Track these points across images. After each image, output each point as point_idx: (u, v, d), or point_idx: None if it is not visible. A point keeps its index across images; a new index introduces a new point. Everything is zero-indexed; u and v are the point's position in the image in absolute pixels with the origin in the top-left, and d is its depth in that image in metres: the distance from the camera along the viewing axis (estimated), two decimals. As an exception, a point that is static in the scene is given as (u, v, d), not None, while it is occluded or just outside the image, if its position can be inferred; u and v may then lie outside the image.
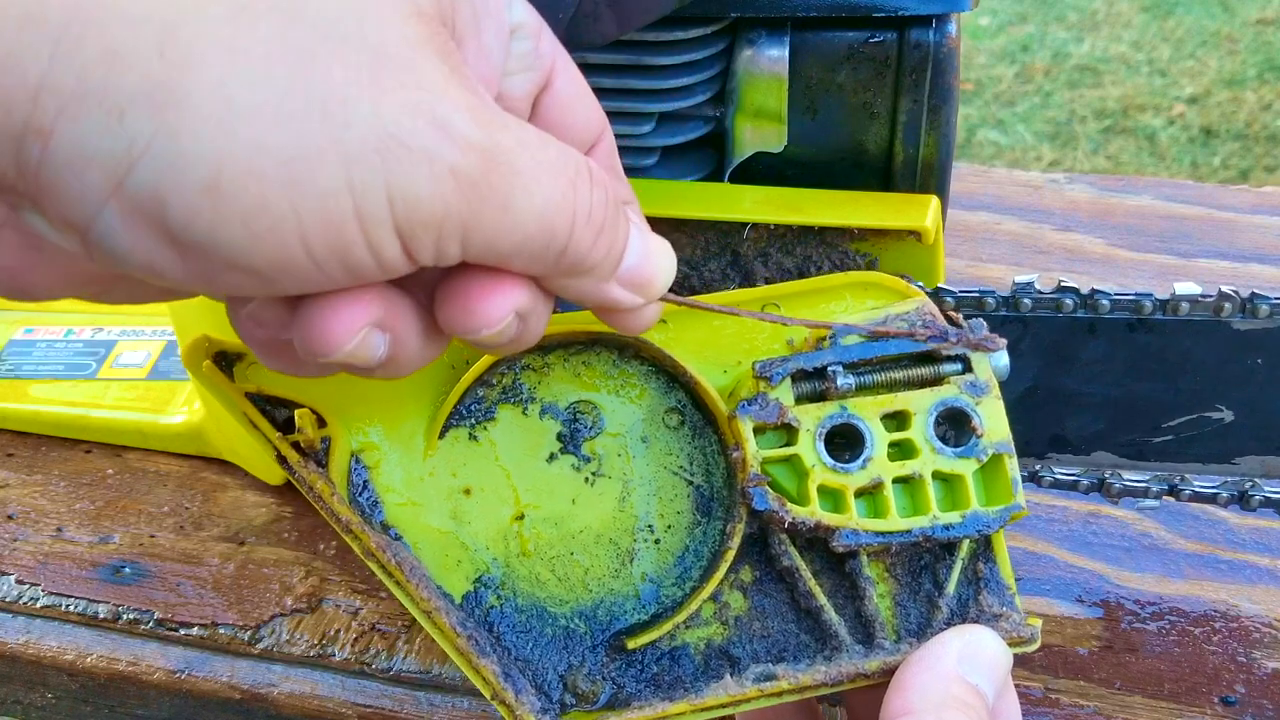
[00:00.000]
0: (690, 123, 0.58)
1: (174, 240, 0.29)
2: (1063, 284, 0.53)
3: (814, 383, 0.45)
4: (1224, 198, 0.92)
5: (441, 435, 0.47)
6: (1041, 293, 0.53)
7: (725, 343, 0.47)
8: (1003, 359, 0.45)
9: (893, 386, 0.45)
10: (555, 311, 0.38)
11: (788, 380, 0.45)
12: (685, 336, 0.47)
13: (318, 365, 0.35)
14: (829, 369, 0.44)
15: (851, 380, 0.44)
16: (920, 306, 0.46)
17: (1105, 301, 0.53)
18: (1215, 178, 2.26)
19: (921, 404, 0.44)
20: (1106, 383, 0.55)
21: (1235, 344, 0.53)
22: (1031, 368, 0.55)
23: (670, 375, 0.47)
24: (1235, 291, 0.51)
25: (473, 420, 0.47)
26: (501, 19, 0.36)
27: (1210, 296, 0.52)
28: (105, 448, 0.70)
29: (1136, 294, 0.52)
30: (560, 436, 0.47)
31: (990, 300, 0.54)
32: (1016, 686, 0.54)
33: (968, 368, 0.45)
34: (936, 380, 0.45)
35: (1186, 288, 0.52)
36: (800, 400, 0.45)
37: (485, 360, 0.46)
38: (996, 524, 0.44)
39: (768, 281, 0.57)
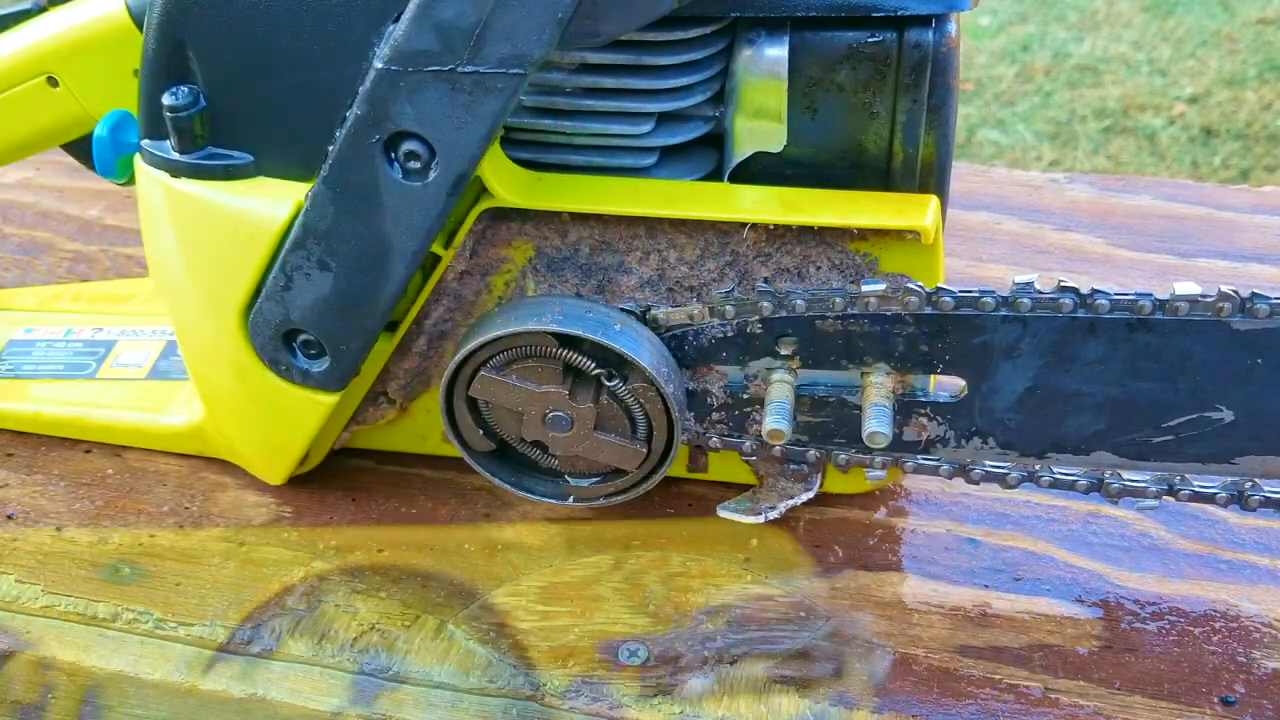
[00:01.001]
0: (690, 122, 0.58)
1: None
2: (1063, 284, 0.53)
3: None
4: (1224, 197, 0.92)
5: None
6: (1041, 293, 0.53)
7: None
8: None
9: None
10: None
11: None
12: None
13: None
14: None
15: None
16: None
17: (1104, 301, 0.52)
18: (1216, 177, 2.25)
19: None
20: (1106, 383, 0.55)
21: (1235, 344, 0.53)
22: (1031, 367, 0.55)
23: None
24: (1235, 291, 0.51)
25: None
26: None
27: (1210, 296, 0.52)
28: (105, 447, 0.70)
29: (1136, 294, 0.52)
30: None
31: (989, 300, 0.54)
32: (1017, 687, 0.55)
33: None
34: None
35: (1186, 288, 0.52)
36: None
37: None
38: None
39: (767, 281, 0.57)
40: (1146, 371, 0.54)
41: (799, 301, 0.55)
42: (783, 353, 0.57)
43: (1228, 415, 0.55)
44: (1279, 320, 0.52)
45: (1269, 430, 0.55)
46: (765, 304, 0.56)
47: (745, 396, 0.59)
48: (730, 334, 0.57)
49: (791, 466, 0.62)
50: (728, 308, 0.57)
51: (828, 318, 0.56)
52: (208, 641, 0.59)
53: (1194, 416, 0.55)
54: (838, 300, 0.55)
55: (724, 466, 0.64)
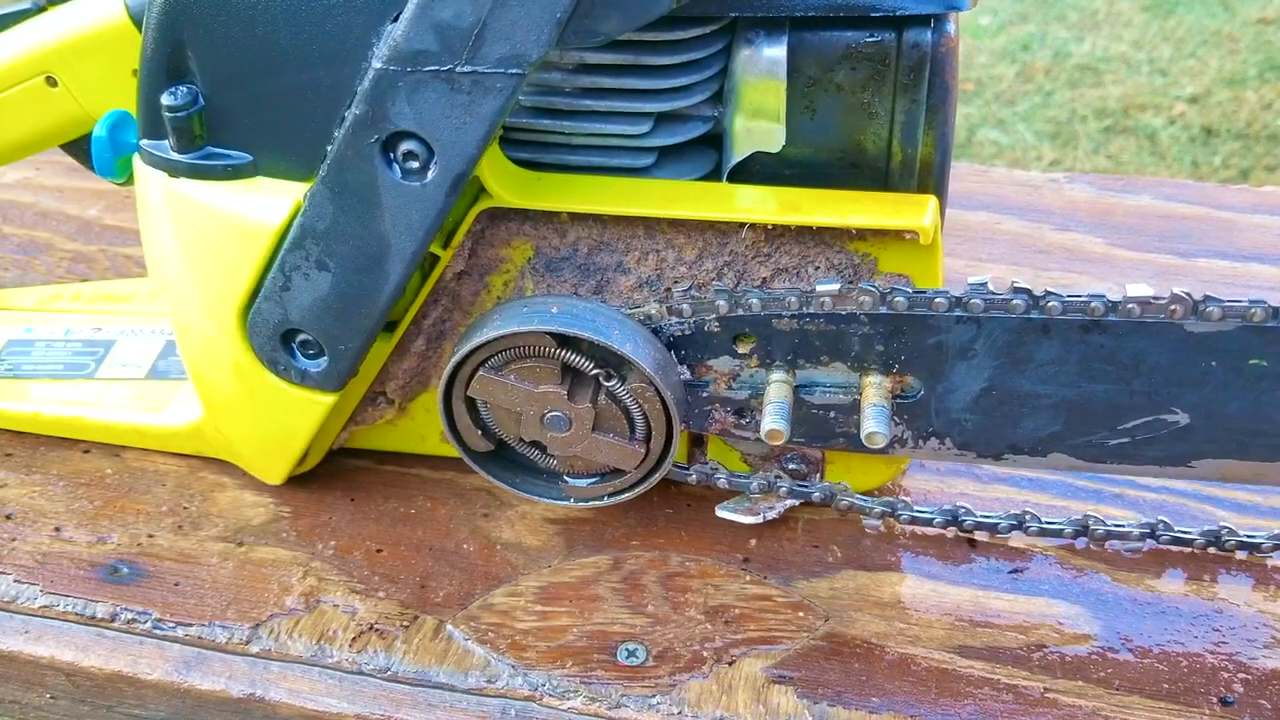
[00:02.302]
0: (689, 122, 0.58)
1: None
2: (1015, 285, 0.53)
3: None
4: (1224, 197, 0.92)
5: None
6: (994, 294, 0.53)
7: None
8: None
9: None
10: None
11: None
12: None
13: None
14: None
15: None
16: None
17: (1056, 304, 0.52)
18: (1216, 177, 2.25)
19: None
20: (1061, 384, 0.55)
21: (1189, 347, 0.52)
22: (986, 368, 0.55)
23: None
24: (1187, 294, 0.51)
25: None
26: None
27: (1162, 299, 0.52)
28: (104, 447, 0.70)
29: (1089, 295, 0.52)
30: None
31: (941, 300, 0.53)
32: (1015, 687, 0.55)
33: None
34: None
35: (1138, 289, 0.52)
36: None
37: None
38: None
39: (765, 281, 0.57)
40: (1101, 374, 0.54)
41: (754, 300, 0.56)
42: (740, 351, 0.57)
43: (1183, 418, 0.54)
44: (1232, 323, 0.51)
45: (1224, 433, 0.55)
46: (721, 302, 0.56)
47: (744, 397, 0.59)
48: (689, 332, 0.57)
49: (790, 466, 0.62)
50: (684, 305, 0.57)
51: (783, 317, 0.56)
52: (206, 642, 0.59)
53: (1149, 419, 0.55)
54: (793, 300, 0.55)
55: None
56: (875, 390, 0.56)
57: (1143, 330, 0.52)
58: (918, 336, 0.54)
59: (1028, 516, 0.60)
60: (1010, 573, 0.61)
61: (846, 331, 0.55)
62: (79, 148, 0.68)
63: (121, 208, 0.95)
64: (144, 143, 0.58)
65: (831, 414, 0.58)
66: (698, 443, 0.63)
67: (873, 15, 0.53)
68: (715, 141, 0.59)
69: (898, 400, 0.57)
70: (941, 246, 0.56)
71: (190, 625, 0.59)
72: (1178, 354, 0.53)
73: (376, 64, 0.51)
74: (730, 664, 0.57)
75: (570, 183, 0.57)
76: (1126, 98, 2.52)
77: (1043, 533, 0.60)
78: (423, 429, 0.66)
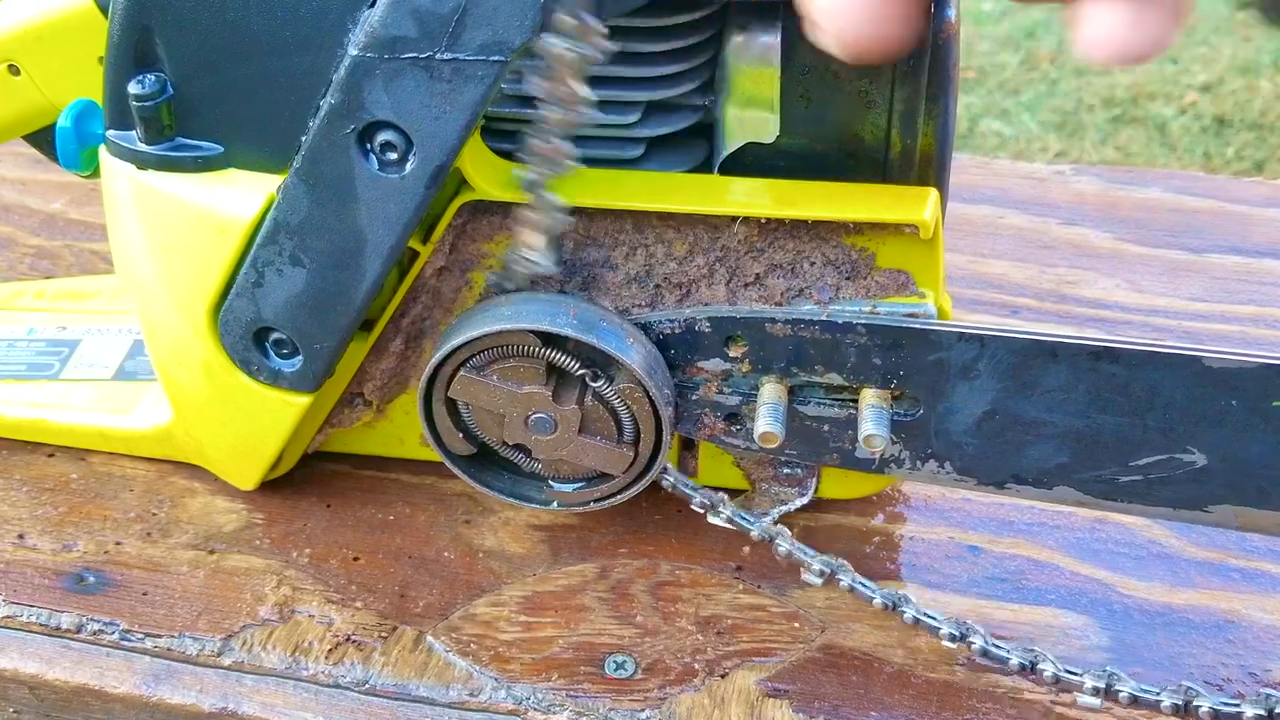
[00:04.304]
0: (679, 112, 0.56)
1: None
2: None
3: None
4: (1236, 190, 0.91)
5: None
6: None
7: None
8: None
9: None
10: None
11: None
12: None
13: None
14: None
15: None
16: None
17: None
18: (1228, 169, 2.24)
19: None
20: (1068, 413, 0.53)
21: (1207, 382, 0.50)
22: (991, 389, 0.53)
23: None
24: None
25: None
26: None
27: None
28: (69, 451, 0.69)
29: None
30: None
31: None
32: (1021, 699, 0.54)
33: None
34: None
35: None
36: None
37: None
38: None
39: (759, 278, 0.55)
40: (1112, 405, 0.52)
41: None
42: (732, 354, 0.56)
43: (1200, 459, 0.52)
44: (1253, 360, 0.49)
45: (1244, 479, 0.52)
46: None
47: (736, 399, 0.57)
48: (679, 331, 0.56)
49: (785, 471, 0.61)
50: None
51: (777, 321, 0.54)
52: (176, 654, 0.57)
53: (1163, 458, 0.52)
54: None
55: (715, 470, 0.63)
56: (874, 393, 0.55)
57: (1157, 362, 0.50)
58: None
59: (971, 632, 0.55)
60: (1015, 582, 0.60)
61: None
62: (42, 139, 0.66)
63: (87, 201, 0.93)
64: (110, 133, 0.57)
65: (825, 427, 0.56)
66: (688, 447, 0.62)
67: None
68: (706, 132, 0.57)
69: (895, 417, 0.55)
70: (943, 241, 0.54)
71: (159, 636, 0.58)
72: (1195, 389, 0.50)
73: (353, 51, 0.49)
74: (723, 677, 0.55)
75: (555, 175, 0.56)
76: (1135, 86, 2.50)
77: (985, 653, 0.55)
78: (401, 432, 0.65)
